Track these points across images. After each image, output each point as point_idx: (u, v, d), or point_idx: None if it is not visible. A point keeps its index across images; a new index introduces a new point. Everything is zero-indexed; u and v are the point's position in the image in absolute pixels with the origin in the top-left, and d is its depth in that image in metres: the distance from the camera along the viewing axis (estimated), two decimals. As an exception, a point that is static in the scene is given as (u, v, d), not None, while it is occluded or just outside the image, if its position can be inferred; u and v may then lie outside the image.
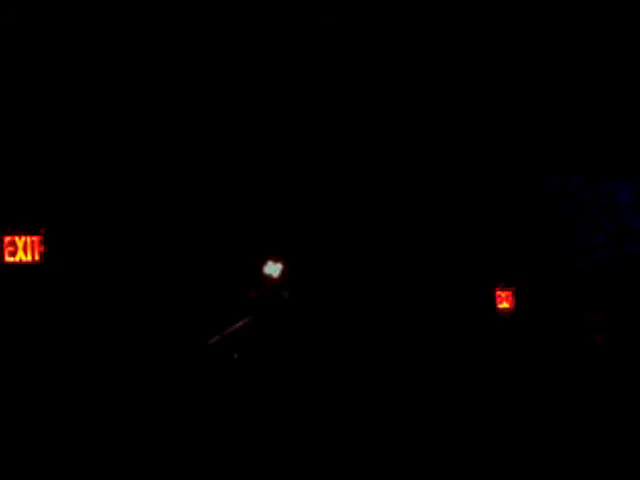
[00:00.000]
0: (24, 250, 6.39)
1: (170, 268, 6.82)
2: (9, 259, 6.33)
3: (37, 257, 6.41)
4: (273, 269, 7.01)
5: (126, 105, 6.64)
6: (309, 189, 7.26)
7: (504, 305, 7.61)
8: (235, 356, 6.90)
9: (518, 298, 7.61)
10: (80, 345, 6.53)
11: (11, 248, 6.35)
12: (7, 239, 6.33)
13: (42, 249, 6.43)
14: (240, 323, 6.89)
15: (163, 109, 6.81)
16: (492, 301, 7.61)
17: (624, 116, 6.95)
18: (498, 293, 7.60)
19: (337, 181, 7.41)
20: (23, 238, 6.36)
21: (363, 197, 7.51)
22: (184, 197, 6.90)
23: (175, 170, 6.90)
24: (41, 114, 6.55)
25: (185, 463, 6.18)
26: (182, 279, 6.84)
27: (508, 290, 7.59)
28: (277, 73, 6.69)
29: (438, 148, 7.41)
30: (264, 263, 7.02)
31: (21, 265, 6.33)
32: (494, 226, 7.64)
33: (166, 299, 6.79)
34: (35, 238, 6.40)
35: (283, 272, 7.06)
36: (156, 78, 6.53)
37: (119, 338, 6.68)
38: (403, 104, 7.06)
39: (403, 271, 7.58)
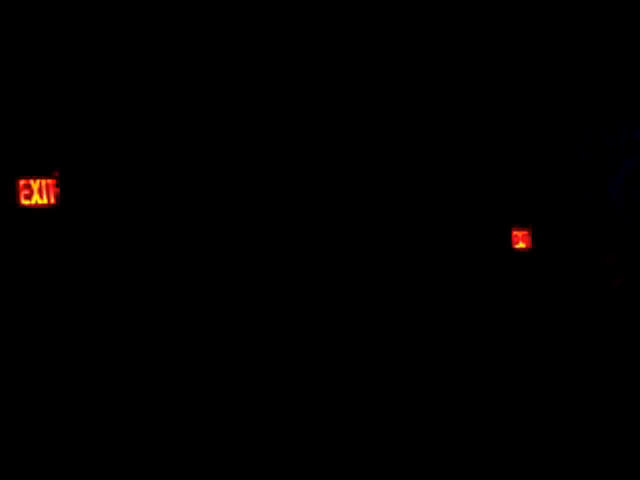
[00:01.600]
0: (39, 193, 6.36)
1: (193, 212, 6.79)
2: (25, 202, 6.30)
3: (52, 200, 6.39)
4: None
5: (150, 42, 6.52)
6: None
7: (521, 245, 7.57)
8: None
9: (535, 238, 7.56)
10: (99, 290, 6.56)
11: (26, 191, 6.31)
12: (22, 182, 6.29)
13: (57, 192, 6.40)
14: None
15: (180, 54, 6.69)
16: (509, 241, 7.56)
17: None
18: (515, 233, 7.55)
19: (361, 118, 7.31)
20: (38, 181, 6.33)
21: (384, 136, 7.41)
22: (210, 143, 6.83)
23: (199, 114, 6.81)
24: (56, 51, 6.43)
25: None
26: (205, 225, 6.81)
27: (525, 230, 7.54)
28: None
29: (456, 91, 7.29)
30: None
31: (37, 208, 6.32)
32: (512, 168, 7.54)
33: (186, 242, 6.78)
34: (50, 181, 6.36)
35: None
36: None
37: (137, 282, 6.70)
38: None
39: (419, 212, 7.53)
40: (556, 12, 7.05)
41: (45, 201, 6.38)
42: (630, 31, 6.86)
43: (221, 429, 6.51)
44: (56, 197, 6.40)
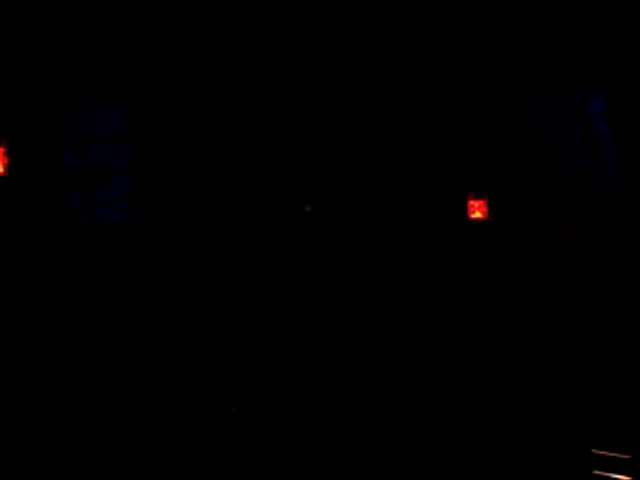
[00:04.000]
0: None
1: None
2: (-25, 172, 6.62)
3: (1, 169, 6.69)
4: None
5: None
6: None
7: (477, 215, 7.43)
8: None
9: (491, 208, 7.41)
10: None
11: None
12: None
13: (6, 161, 6.70)
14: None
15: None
16: (464, 211, 7.44)
17: (594, 25, 6.57)
18: (471, 202, 7.42)
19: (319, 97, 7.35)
20: (-13, 151, 6.62)
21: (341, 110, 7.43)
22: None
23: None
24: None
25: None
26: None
27: (481, 200, 7.40)
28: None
29: (415, 64, 7.23)
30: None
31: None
32: (467, 138, 7.41)
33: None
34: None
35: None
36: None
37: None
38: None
39: (374, 182, 7.51)
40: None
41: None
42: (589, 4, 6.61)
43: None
44: (4, 166, 6.70)
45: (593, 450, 6.35)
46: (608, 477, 6.01)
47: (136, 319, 6.85)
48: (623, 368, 6.81)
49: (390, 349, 7.41)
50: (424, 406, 7.03)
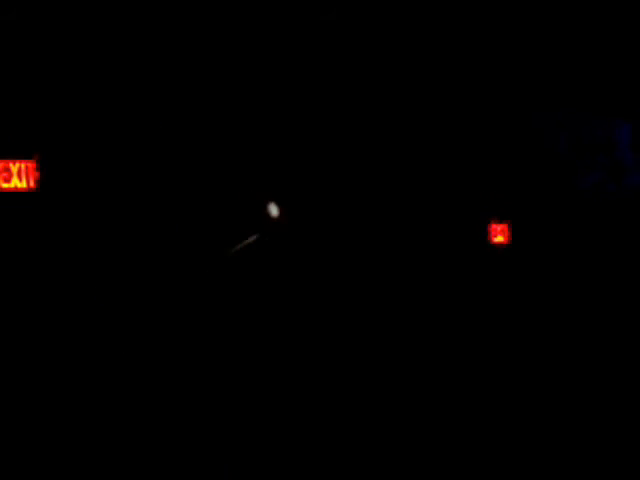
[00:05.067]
0: (18, 176, 6.28)
1: (172, 196, 6.76)
2: (3, 185, 6.22)
3: (32, 184, 6.31)
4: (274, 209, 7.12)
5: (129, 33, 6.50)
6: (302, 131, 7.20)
7: (499, 239, 7.62)
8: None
9: (513, 232, 7.62)
10: (78, 274, 6.49)
11: (5, 174, 6.24)
12: (1, 164, 6.21)
13: (37, 176, 6.33)
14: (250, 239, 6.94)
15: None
16: (486, 234, 7.62)
17: (621, 55, 6.93)
18: (493, 227, 7.61)
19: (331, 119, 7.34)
20: (17, 164, 6.25)
21: (355, 135, 7.45)
22: (189, 124, 6.81)
23: (180, 98, 6.79)
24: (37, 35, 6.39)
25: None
26: (184, 206, 6.78)
27: (503, 224, 7.60)
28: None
29: (431, 85, 7.35)
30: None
31: (16, 192, 6.24)
32: (489, 161, 7.61)
33: (168, 229, 6.74)
34: (30, 164, 6.29)
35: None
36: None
37: (120, 266, 6.64)
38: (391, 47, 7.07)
39: (398, 206, 7.56)
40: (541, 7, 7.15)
41: (24, 185, 6.30)
42: (612, 32, 6.97)
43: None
44: (35, 181, 6.33)
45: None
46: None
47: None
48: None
49: (409, 370, 7.42)
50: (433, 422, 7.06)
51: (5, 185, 6.20)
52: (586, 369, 7.37)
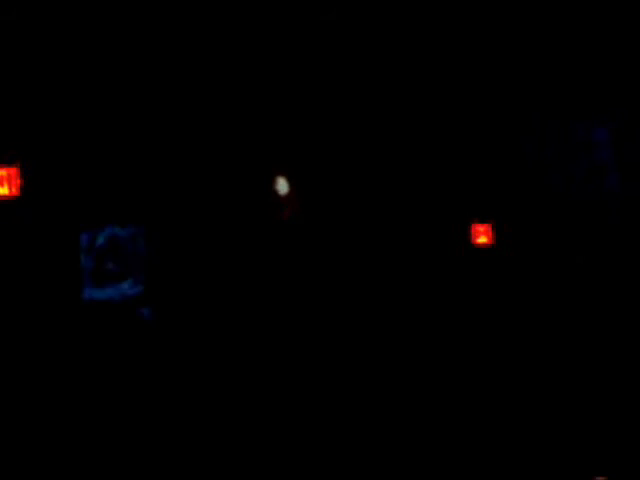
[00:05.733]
0: (0, 183, 6.57)
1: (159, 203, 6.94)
2: (-12, 193, 6.51)
3: (15, 190, 6.59)
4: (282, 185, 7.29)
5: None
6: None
7: (482, 239, 7.61)
8: None
9: (496, 233, 7.60)
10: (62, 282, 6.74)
11: (-11, 181, 6.52)
12: (-13, 172, 6.49)
13: (20, 182, 6.60)
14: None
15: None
16: (469, 235, 7.62)
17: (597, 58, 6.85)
18: (476, 227, 7.60)
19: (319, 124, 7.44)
20: (-1, 171, 6.53)
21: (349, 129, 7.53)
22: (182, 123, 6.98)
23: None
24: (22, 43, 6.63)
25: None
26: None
27: (486, 224, 7.58)
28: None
29: (416, 86, 7.38)
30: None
31: (-2, 198, 6.52)
32: (473, 163, 7.60)
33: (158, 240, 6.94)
34: (12, 170, 6.56)
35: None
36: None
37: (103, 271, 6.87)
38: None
39: (377, 208, 7.62)
40: (519, 8, 7.11)
41: (6, 191, 6.59)
42: (591, 31, 6.89)
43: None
44: (18, 188, 6.60)
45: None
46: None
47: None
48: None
49: (393, 375, 7.50)
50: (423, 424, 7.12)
51: (-10, 193, 6.50)
52: (573, 372, 7.34)
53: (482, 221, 7.60)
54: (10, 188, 6.62)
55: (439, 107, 7.45)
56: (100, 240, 6.80)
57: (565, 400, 7.28)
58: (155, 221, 6.97)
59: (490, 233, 7.61)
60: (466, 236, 7.62)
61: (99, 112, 6.94)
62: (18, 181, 6.64)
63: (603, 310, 7.31)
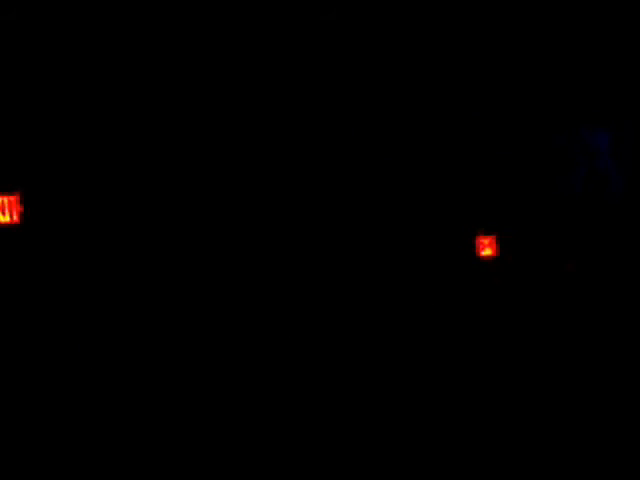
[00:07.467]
0: (1, 210, 6.07)
1: (161, 227, 6.59)
2: (-11, 220, 5.99)
3: (16, 218, 6.11)
4: None
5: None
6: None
7: (487, 252, 7.62)
8: None
9: (501, 245, 7.63)
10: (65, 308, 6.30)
11: (-9, 209, 6.02)
12: (-12, 200, 5.99)
13: (21, 209, 6.13)
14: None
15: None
16: (473, 248, 7.61)
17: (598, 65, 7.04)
18: (481, 240, 7.60)
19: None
20: (0, 198, 6.04)
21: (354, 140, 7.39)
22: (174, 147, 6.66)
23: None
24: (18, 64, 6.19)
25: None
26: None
27: (491, 236, 7.60)
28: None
29: (422, 100, 7.35)
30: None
31: None
32: (477, 176, 7.62)
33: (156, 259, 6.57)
34: (13, 198, 6.09)
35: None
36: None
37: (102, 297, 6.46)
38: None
39: (382, 221, 7.51)
40: (527, 19, 7.20)
41: (7, 219, 6.10)
42: (595, 41, 7.06)
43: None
44: (19, 215, 6.14)
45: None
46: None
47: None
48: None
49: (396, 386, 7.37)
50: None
51: (-10, 220, 5.98)
52: (577, 384, 7.40)
53: (486, 233, 7.60)
54: (11, 216, 6.12)
55: (447, 122, 7.43)
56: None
57: (571, 405, 7.34)
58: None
59: (494, 245, 7.63)
60: (471, 249, 7.60)
61: (102, 138, 6.55)
62: (19, 208, 6.15)
63: (607, 320, 7.44)
